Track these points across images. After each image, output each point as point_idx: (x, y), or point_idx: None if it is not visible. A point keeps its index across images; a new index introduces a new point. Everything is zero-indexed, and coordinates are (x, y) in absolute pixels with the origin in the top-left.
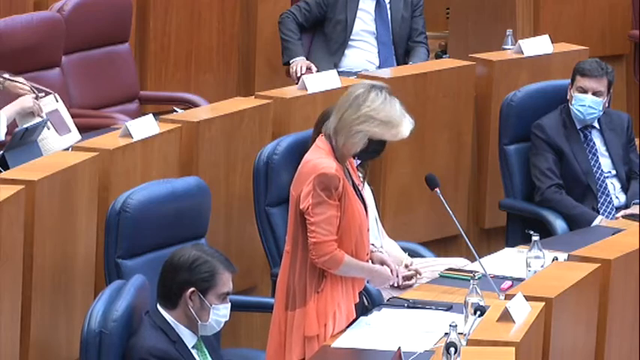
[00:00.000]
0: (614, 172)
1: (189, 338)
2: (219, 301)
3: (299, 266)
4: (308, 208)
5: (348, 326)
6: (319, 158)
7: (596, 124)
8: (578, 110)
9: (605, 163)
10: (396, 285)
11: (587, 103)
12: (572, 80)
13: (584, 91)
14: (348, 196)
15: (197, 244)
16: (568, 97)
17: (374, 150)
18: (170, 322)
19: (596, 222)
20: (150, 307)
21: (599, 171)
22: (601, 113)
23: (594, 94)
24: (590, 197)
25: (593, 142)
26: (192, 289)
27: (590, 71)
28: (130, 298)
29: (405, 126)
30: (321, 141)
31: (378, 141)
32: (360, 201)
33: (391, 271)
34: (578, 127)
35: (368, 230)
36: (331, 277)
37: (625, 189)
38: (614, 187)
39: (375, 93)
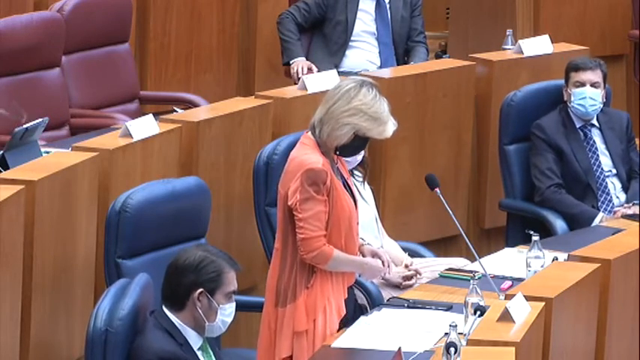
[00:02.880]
0: (614, 171)
1: (195, 340)
2: (225, 301)
3: (289, 263)
4: (296, 204)
5: (342, 324)
6: (305, 154)
7: (595, 122)
8: (579, 104)
9: (605, 162)
10: (388, 276)
11: (587, 95)
12: (567, 80)
13: (582, 84)
14: (336, 191)
15: (200, 245)
16: (565, 99)
17: (356, 146)
18: (177, 324)
19: (597, 220)
20: (153, 308)
21: (600, 169)
22: (602, 106)
23: (592, 85)
24: (591, 196)
25: (593, 141)
26: (200, 290)
27: (583, 64)
28: (136, 297)
29: (390, 126)
30: (305, 137)
31: (362, 137)
32: (350, 195)
33: (382, 262)
34: (578, 126)
35: (357, 224)
36: (321, 272)
37: (625, 189)
38: (614, 186)
39: (366, 89)
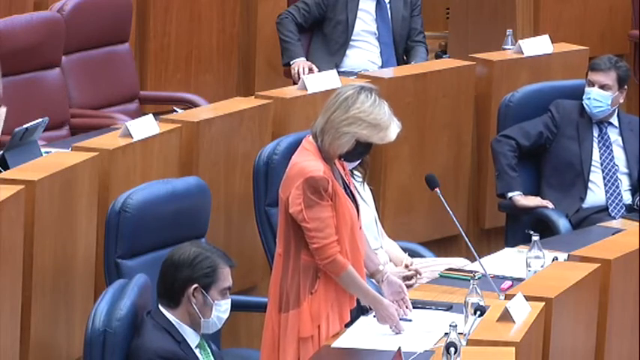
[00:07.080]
0: (626, 170)
1: (192, 338)
2: (220, 297)
3: (292, 268)
4: (301, 213)
5: (346, 327)
6: (306, 161)
7: (615, 122)
8: (586, 103)
9: (620, 159)
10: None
11: (592, 96)
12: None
13: (592, 84)
14: (338, 197)
15: (194, 241)
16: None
17: (360, 152)
18: (173, 322)
19: (512, 193)
20: (152, 308)
21: (612, 163)
22: (610, 108)
23: (601, 87)
24: (580, 186)
25: (608, 136)
26: (195, 285)
27: (597, 65)
28: (134, 297)
29: (393, 129)
30: (307, 142)
31: (365, 143)
32: (352, 200)
33: (401, 300)
34: (594, 121)
35: (360, 228)
36: (325, 278)
37: (632, 189)
38: (621, 183)
39: (364, 95)
